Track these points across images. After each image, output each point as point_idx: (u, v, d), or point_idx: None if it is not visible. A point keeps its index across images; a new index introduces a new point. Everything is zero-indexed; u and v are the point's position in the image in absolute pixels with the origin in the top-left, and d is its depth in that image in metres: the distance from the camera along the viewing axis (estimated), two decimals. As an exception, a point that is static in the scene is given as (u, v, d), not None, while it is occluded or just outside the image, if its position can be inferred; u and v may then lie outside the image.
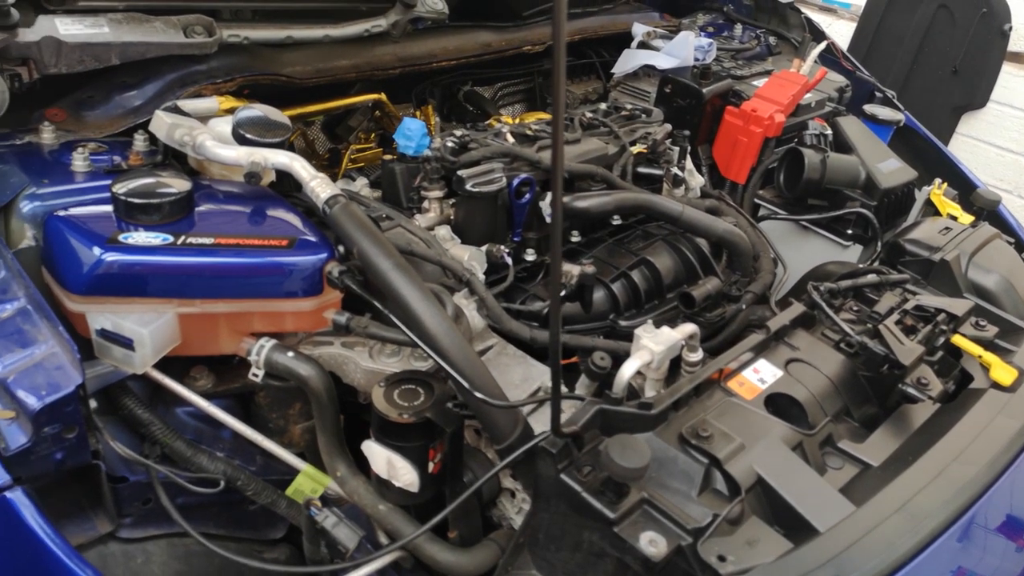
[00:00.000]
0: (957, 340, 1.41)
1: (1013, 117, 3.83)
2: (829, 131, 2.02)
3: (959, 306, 1.44)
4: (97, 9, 1.45)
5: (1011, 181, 3.86)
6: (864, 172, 1.89)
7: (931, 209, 1.96)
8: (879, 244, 1.85)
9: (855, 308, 1.50)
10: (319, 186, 1.26)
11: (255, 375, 1.25)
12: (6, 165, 1.27)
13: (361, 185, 1.67)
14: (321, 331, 1.31)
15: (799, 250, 1.95)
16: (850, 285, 1.49)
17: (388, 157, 1.62)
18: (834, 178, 1.87)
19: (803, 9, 2.62)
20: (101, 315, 1.15)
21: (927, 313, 1.42)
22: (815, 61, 2.16)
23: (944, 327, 1.38)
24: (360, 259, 1.20)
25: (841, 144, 2.01)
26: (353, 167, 2.05)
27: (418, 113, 2.21)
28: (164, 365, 1.22)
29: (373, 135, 2.14)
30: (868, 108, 2.22)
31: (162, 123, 1.33)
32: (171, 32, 1.49)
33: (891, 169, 1.92)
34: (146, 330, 1.14)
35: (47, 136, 1.37)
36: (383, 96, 1.97)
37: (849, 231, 1.89)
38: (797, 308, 1.39)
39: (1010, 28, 3.70)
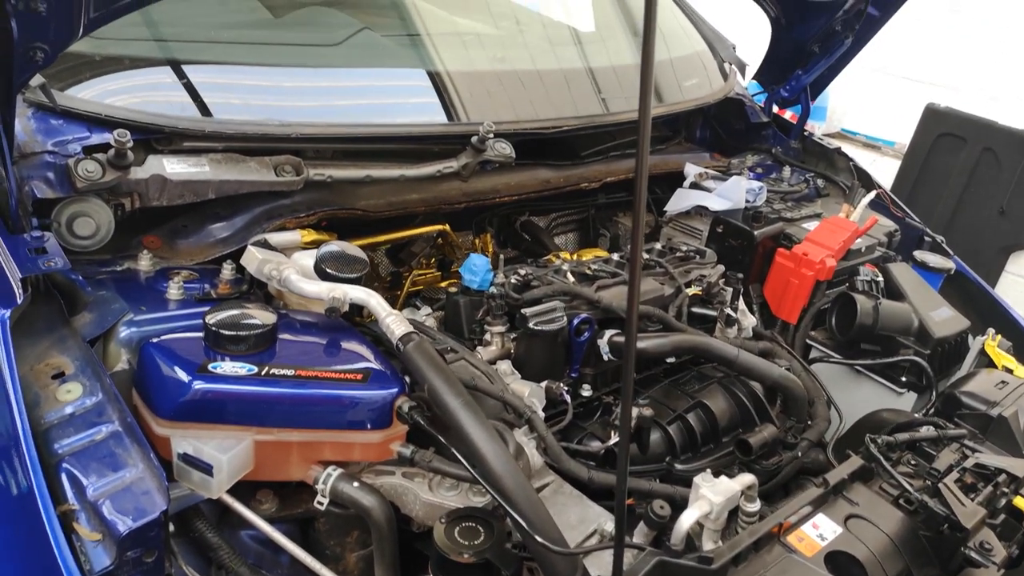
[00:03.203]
0: (1019, 502, 1.39)
1: (1063, 258, 3.84)
2: (880, 277, 2.06)
3: (1020, 467, 1.43)
4: (199, 149, 1.58)
5: (1063, 322, 3.82)
6: (917, 320, 1.92)
7: (984, 359, 1.96)
8: (933, 393, 1.85)
9: (912, 462, 1.50)
10: (393, 322, 1.34)
11: (320, 503, 1.29)
12: (108, 292, 1.37)
13: (425, 314, 1.75)
14: (383, 460, 1.35)
15: (851, 394, 1.95)
16: (908, 439, 1.49)
17: (452, 289, 1.71)
18: (887, 325, 1.90)
19: (847, 145, 2.72)
20: (184, 439, 1.21)
21: (987, 472, 1.41)
22: (866, 208, 2.23)
23: (1005, 488, 1.37)
24: (430, 395, 1.25)
25: (892, 290, 2.04)
26: (413, 289, 2.14)
27: (477, 241, 2.32)
28: (233, 487, 1.26)
29: (433, 260, 2.25)
30: (918, 255, 2.27)
31: (253, 258, 1.43)
32: (263, 171, 1.62)
33: (943, 318, 1.95)
34: (225, 456, 1.20)
35: (144, 264, 1.48)
36: (447, 227, 2.08)
37: (903, 378, 1.90)
38: (855, 461, 1.40)
39: (1056, 172, 3.77)
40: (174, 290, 1.40)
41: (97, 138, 1.46)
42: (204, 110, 1.67)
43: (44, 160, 1.42)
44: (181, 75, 1.74)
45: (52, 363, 1.24)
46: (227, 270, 1.51)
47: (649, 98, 0.85)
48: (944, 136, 4.11)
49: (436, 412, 1.27)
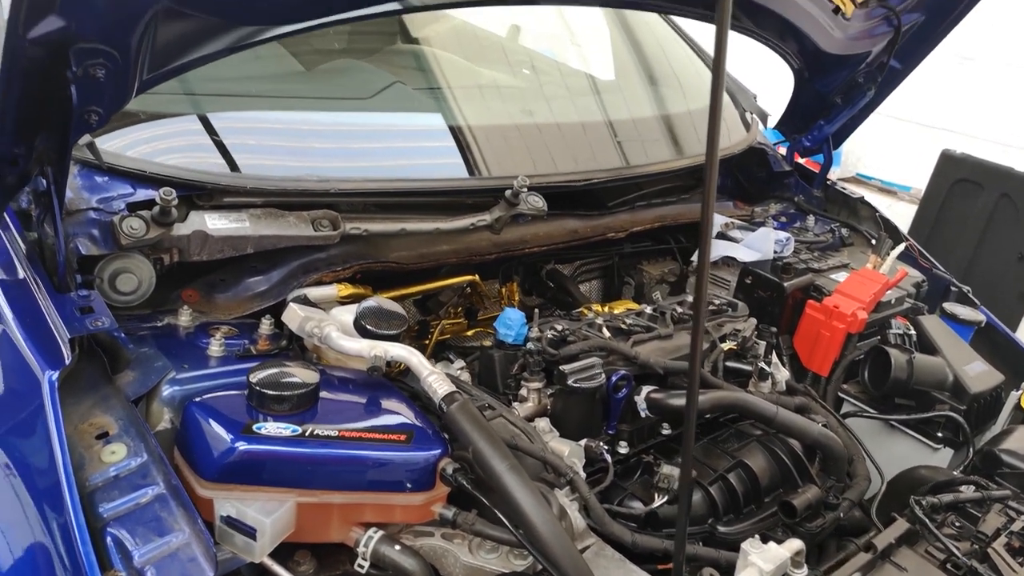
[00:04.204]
0: (1071, 568, 1.36)
1: (1084, 305, 3.82)
2: (913, 331, 2.05)
3: (1069, 530, 1.41)
4: (239, 205, 1.60)
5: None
6: (951, 374, 1.90)
7: (1019, 415, 1.94)
8: (971, 450, 1.83)
9: (957, 524, 1.47)
10: (435, 381, 1.33)
11: (360, 566, 1.27)
12: (150, 349, 1.37)
13: (458, 368, 1.74)
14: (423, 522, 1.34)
15: (886, 449, 1.93)
16: (953, 500, 1.47)
17: (487, 343, 1.70)
18: (922, 379, 1.89)
19: (862, 189, 2.73)
20: (227, 502, 1.20)
21: (1037, 537, 1.39)
22: (895, 262, 2.23)
23: (1057, 555, 1.35)
24: (475, 458, 1.24)
25: (925, 343, 2.03)
26: (441, 338, 2.14)
27: (504, 289, 2.33)
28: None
29: (460, 309, 2.25)
30: (948, 306, 2.26)
31: (295, 315, 1.43)
32: (301, 226, 1.63)
33: (978, 372, 1.93)
34: (268, 519, 1.18)
35: (184, 319, 1.48)
36: (477, 277, 2.08)
37: (939, 434, 1.88)
38: (902, 525, 1.38)
39: (1074, 219, 3.77)
40: (215, 347, 1.40)
41: (141, 195, 1.48)
42: (241, 165, 1.69)
43: (89, 217, 1.43)
44: (217, 130, 1.76)
45: (96, 423, 1.23)
46: (265, 325, 1.51)
47: (717, 134, 0.87)
48: (960, 182, 4.12)
49: (480, 474, 1.25)
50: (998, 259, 3.96)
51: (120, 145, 1.54)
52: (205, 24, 1.28)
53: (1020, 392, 1.94)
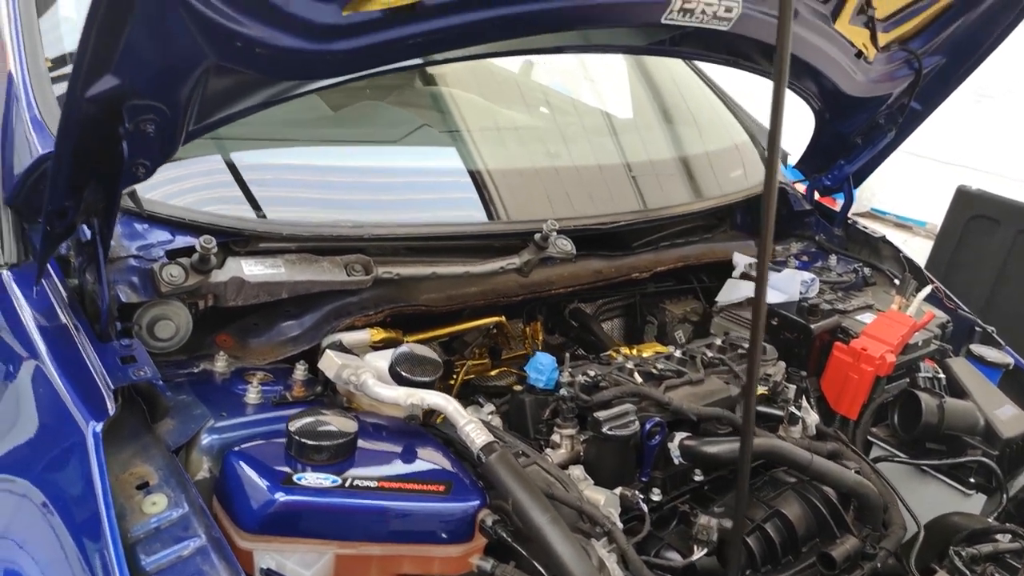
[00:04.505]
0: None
1: (1105, 342, 3.79)
2: (942, 374, 2.04)
3: (1111, 583, 1.39)
4: (274, 250, 1.61)
5: (1111, 407, 3.75)
6: (983, 419, 1.89)
7: (1052, 459, 1.93)
8: (1004, 496, 1.81)
9: (995, 575, 1.45)
10: (473, 431, 1.33)
11: (399, 618, 1.26)
12: (189, 397, 1.37)
13: (488, 412, 1.74)
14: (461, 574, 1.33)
15: (917, 495, 1.91)
16: (992, 551, 1.45)
17: (518, 388, 1.70)
18: (952, 424, 1.87)
19: (877, 225, 2.73)
20: (267, 554, 1.20)
21: (1078, 589, 1.37)
22: (921, 303, 2.22)
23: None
24: (514, 510, 1.24)
25: (954, 386, 2.02)
26: (467, 377, 2.14)
27: (528, 329, 2.33)
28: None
29: (484, 349, 2.25)
30: (975, 349, 2.25)
31: (332, 363, 1.44)
32: (335, 271, 1.64)
33: (1009, 416, 1.92)
34: (309, 572, 1.18)
35: (221, 365, 1.49)
36: (503, 318, 2.09)
37: (971, 479, 1.86)
38: (943, 577, 1.36)
39: (1093, 256, 3.76)
40: (253, 394, 1.41)
41: (180, 242, 1.50)
42: (273, 211, 1.71)
43: (129, 264, 1.44)
44: (249, 176, 1.78)
45: (136, 472, 1.24)
46: (300, 371, 1.51)
47: (777, 155, 0.89)
48: (977, 218, 4.13)
49: (519, 525, 1.25)
50: (1017, 297, 3.94)
51: (157, 193, 1.56)
52: (251, 78, 1.31)
53: (1052, 437, 1.93)
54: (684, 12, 1.69)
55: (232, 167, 1.78)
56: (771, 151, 0.89)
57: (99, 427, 1.18)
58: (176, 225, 1.51)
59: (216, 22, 1.14)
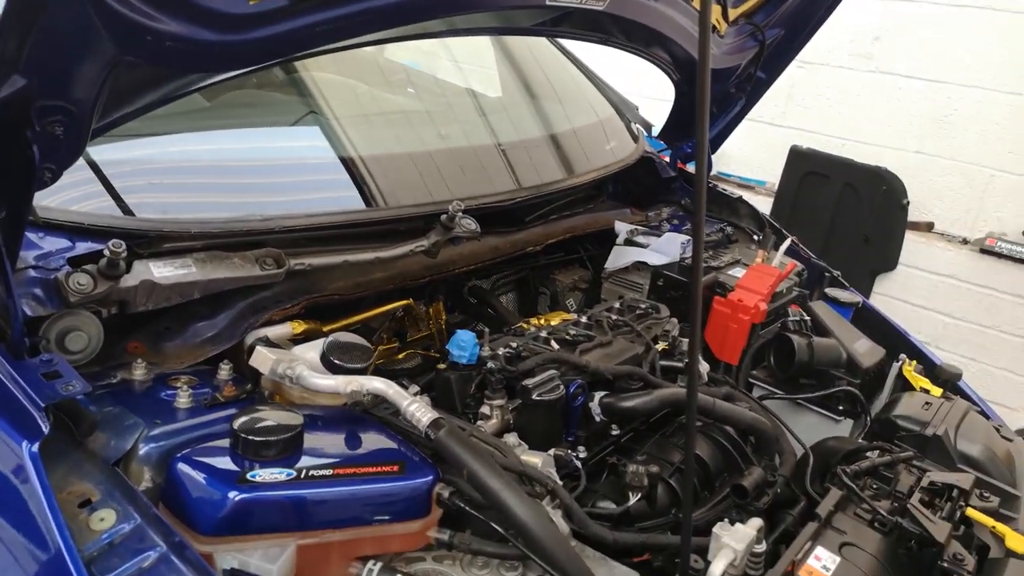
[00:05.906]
0: (970, 513, 1.60)
1: (920, 277, 4.34)
2: (808, 317, 2.29)
3: (964, 480, 1.64)
4: (181, 250, 1.56)
5: (927, 334, 4.31)
6: (845, 353, 2.15)
7: (899, 383, 2.22)
8: (868, 419, 2.07)
9: (874, 486, 1.68)
10: (418, 410, 1.37)
11: (364, 599, 1.29)
12: (116, 408, 1.32)
13: (414, 393, 1.77)
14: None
15: (795, 425, 2.14)
16: (871, 465, 1.68)
17: (441, 366, 1.75)
18: (821, 360, 2.12)
19: (724, 185, 2.98)
20: (228, 554, 1.19)
21: (941, 488, 1.61)
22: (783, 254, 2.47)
23: (962, 502, 1.57)
24: (470, 479, 1.29)
25: (818, 327, 2.27)
26: (377, 362, 2.16)
27: (430, 310, 2.37)
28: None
29: (391, 333, 2.27)
30: (830, 292, 2.53)
31: (265, 359, 1.42)
32: (247, 266, 1.61)
33: (865, 349, 2.19)
34: (274, 566, 1.19)
35: (139, 373, 1.43)
36: (411, 301, 2.12)
37: (840, 407, 2.12)
38: (836, 493, 1.56)
39: (907, 202, 4.27)
40: (183, 398, 1.37)
41: (82, 248, 1.42)
42: (175, 209, 1.65)
43: (29, 276, 1.36)
44: (140, 172, 1.70)
45: (75, 491, 1.18)
46: (225, 371, 1.49)
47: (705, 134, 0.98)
48: (809, 175, 4.56)
49: (473, 494, 1.31)
50: (847, 242, 4.41)
51: (48, 199, 1.46)
52: (157, 73, 1.26)
53: (900, 363, 2.22)
54: (565, -8, 1.78)
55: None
56: (700, 135, 0.99)
57: (34, 446, 1.12)
58: (75, 231, 1.43)
59: (126, 17, 1.09)
